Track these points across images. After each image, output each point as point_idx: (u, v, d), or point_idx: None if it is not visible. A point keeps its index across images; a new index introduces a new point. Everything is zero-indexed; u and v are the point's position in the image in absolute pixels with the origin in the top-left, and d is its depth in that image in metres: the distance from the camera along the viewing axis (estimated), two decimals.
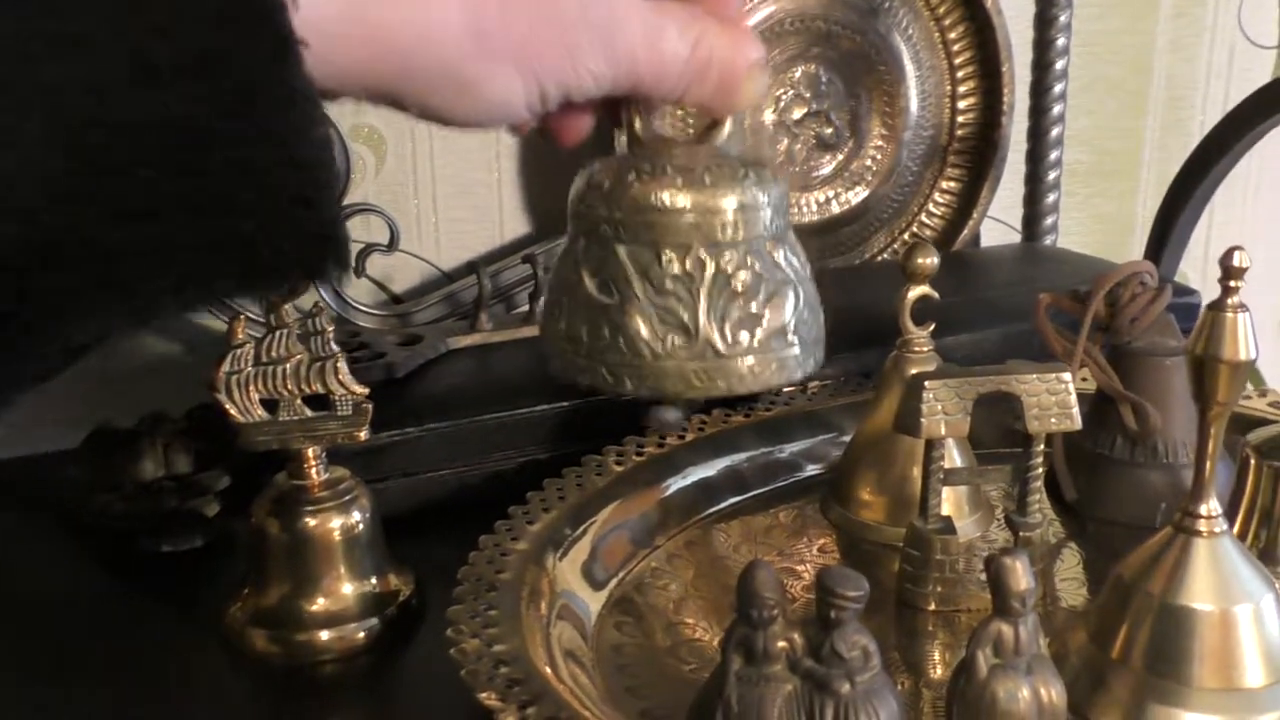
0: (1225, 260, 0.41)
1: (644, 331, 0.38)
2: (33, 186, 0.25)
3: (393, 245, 0.76)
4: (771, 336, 0.38)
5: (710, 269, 0.38)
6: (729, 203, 0.38)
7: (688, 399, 0.38)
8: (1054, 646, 0.46)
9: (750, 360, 0.38)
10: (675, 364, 0.38)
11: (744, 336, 0.38)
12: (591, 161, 0.40)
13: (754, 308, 0.39)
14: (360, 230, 0.76)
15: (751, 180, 0.39)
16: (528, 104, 0.32)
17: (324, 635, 0.51)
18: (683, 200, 0.38)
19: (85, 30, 0.25)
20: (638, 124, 0.39)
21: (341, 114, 0.65)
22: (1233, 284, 0.41)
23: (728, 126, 0.39)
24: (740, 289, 0.39)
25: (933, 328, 0.59)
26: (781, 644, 0.41)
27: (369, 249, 0.75)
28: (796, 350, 0.39)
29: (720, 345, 0.37)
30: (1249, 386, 0.67)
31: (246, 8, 0.26)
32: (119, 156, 0.25)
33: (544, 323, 0.41)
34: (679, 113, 0.76)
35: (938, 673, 0.49)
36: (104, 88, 0.25)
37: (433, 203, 0.84)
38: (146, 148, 0.26)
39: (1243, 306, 0.41)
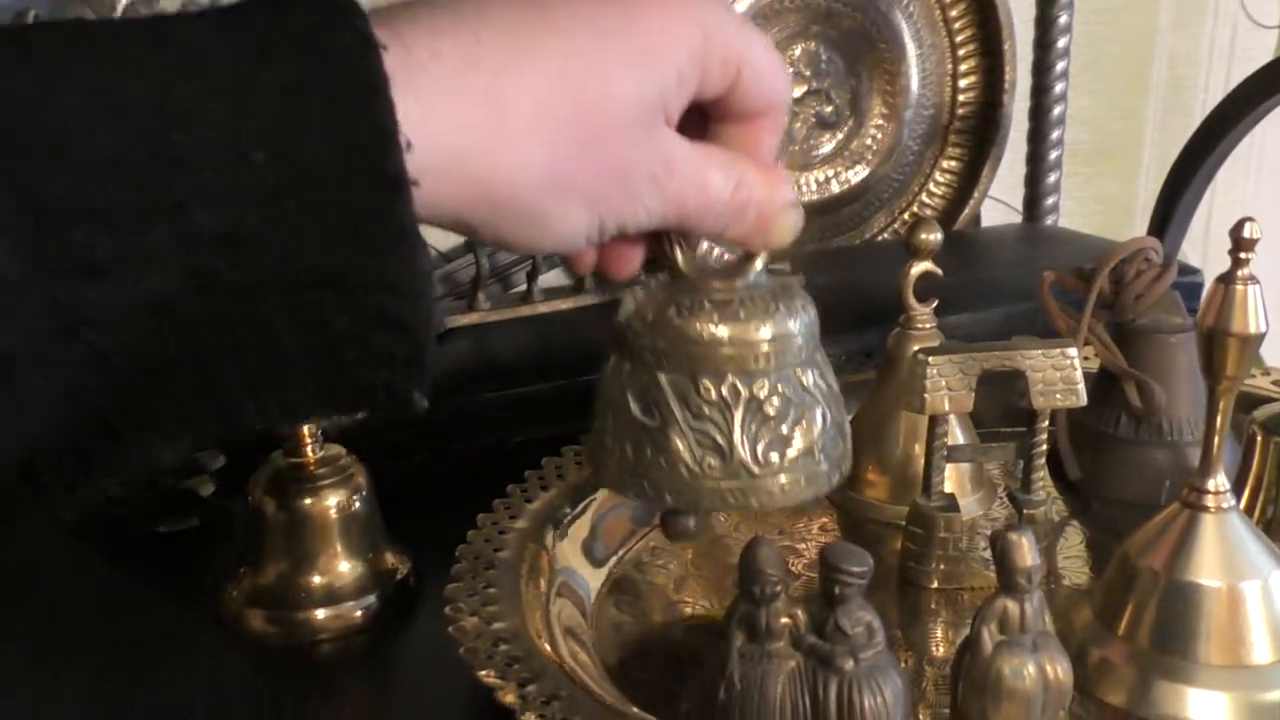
0: (1235, 232, 0.41)
1: (683, 453, 0.42)
2: (152, 302, 0.26)
3: None
4: (800, 456, 0.41)
5: (744, 396, 0.42)
6: (762, 335, 0.42)
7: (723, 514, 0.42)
8: (1059, 624, 0.46)
9: (781, 479, 0.41)
10: (711, 483, 0.41)
11: (774, 457, 0.41)
12: (636, 286, 0.44)
13: (784, 430, 0.42)
14: None
15: (783, 313, 0.42)
16: (587, 236, 0.35)
17: (321, 614, 0.50)
18: (719, 334, 0.41)
19: (208, 156, 0.26)
20: (679, 256, 0.42)
21: None
22: (1243, 256, 0.40)
23: (761, 260, 0.43)
24: (772, 413, 0.42)
25: (935, 304, 0.58)
26: (784, 620, 0.40)
27: None
28: (824, 467, 0.42)
29: (753, 466, 0.40)
30: None
31: (368, 145, 0.28)
32: (231, 277, 0.27)
33: (592, 434, 0.46)
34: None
35: (941, 651, 0.48)
36: (223, 207, 0.26)
37: None
38: (256, 271, 0.27)
39: (1253, 279, 0.41)
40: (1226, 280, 0.41)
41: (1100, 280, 0.58)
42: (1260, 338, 0.41)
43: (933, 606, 0.51)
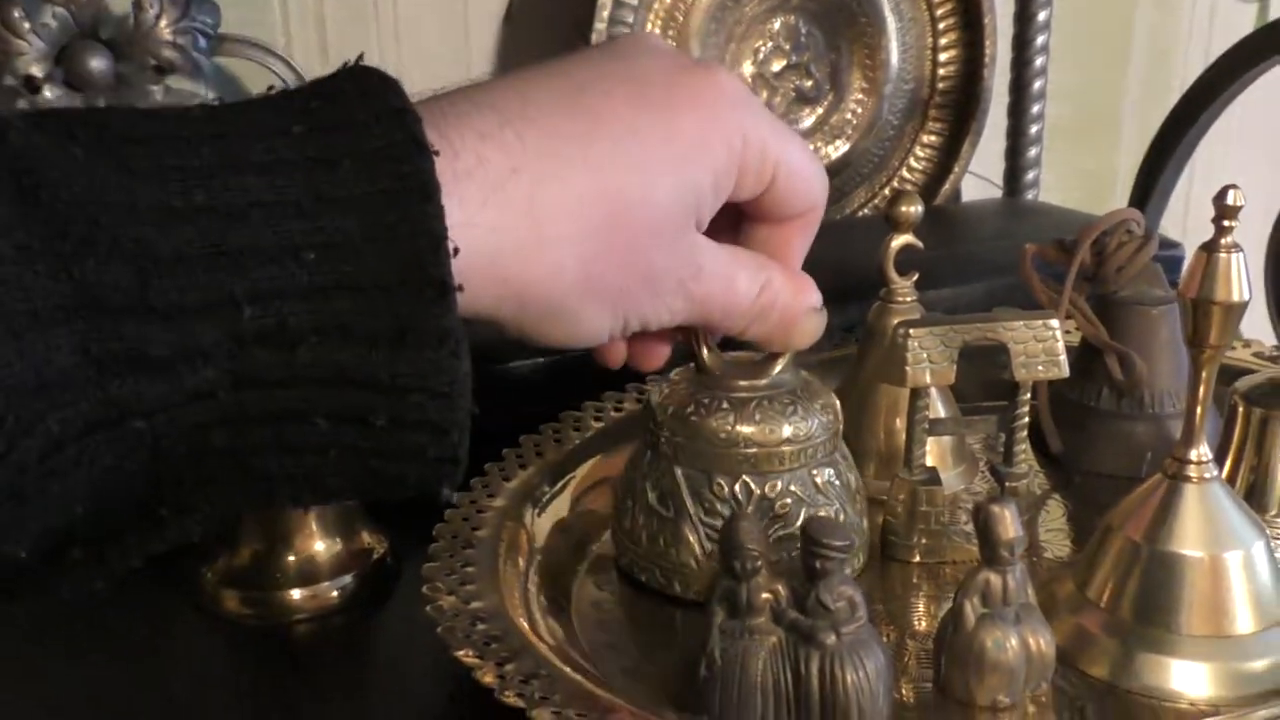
0: (1219, 199, 0.40)
1: (693, 545, 0.45)
2: (198, 395, 0.27)
3: None
4: None
5: (755, 494, 0.44)
6: (777, 437, 0.43)
7: None
8: (1041, 597, 0.45)
9: None
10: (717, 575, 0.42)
11: (781, 555, 0.43)
12: (667, 375, 0.45)
13: (795, 528, 0.43)
14: None
15: (800, 415, 0.44)
16: (610, 332, 0.36)
17: (297, 594, 0.50)
18: (735, 434, 0.43)
19: (262, 255, 0.27)
20: (705, 352, 0.44)
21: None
22: (1226, 224, 0.40)
23: (783, 360, 0.44)
24: (781, 511, 0.44)
25: (916, 278, 0.57)
26: (765, 596, 0.40)
27: None
28: None
29: None
30: None
31: (418, 251, 0.28)
32: (276, 373, 0.27)
33: (615, 517, 0.48)
34: None
35: (922, 625, 0.48)
36: (273, 306, 0.27)
37: None
38: (301, 368, 0.28)
39: (1236, 247, 0.40)
40: (1210, 248, 0.41)
41: (1082, 252, 0.58)
42: (1244, 306, 0.40)
43: (914, 580, 0.51)
